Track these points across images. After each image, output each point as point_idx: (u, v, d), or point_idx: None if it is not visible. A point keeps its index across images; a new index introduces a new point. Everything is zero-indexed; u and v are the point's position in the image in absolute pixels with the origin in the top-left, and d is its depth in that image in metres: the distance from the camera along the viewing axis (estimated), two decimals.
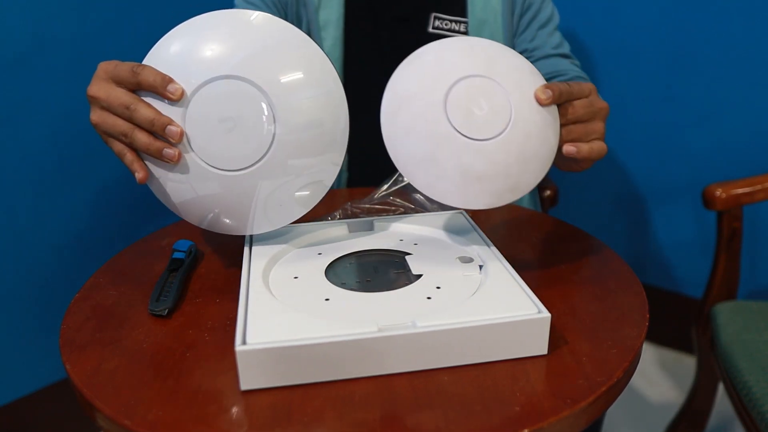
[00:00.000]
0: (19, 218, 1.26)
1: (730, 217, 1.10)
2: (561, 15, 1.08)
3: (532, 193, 1.16)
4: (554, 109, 0.65)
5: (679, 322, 1.56)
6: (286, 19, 1.05)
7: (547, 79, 1.02)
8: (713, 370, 1.14)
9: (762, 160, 1.42)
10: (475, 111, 0.62)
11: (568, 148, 0.65)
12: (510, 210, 0.90)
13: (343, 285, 0.62)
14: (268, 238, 0.70)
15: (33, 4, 1.20)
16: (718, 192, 1.08)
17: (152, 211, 1.46)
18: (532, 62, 1.03)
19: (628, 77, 1.54)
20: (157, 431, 0.47)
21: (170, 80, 0.60)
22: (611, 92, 1.58)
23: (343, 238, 0.72)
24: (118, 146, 0.63)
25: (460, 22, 1.03)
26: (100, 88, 0.63)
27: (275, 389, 0.52)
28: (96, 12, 1.29)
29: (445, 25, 1.03)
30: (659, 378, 1.57)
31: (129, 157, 0.62)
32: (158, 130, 0.60)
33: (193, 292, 0.67)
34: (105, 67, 0.64)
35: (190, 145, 0.61)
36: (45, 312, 1.32)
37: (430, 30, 1.04)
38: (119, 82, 0.62)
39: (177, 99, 0.60)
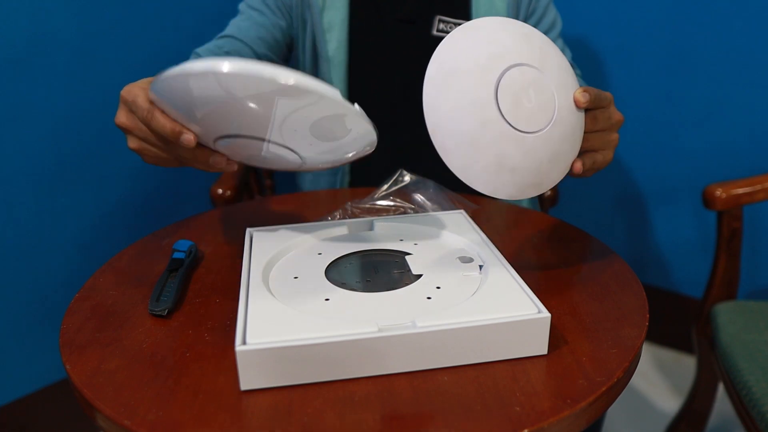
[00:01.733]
0: (19, 218, 1.26)
1: (730, 217, 1.10)
2: (561, 15, 1.08)
3: None
4: (583, 113, 0.66)
5: (679, 322, 1.57)
6: (290, 22, 1.05)
7: None
8: (713, 370, 1.14)
9: (762, 160, 1.42)
10: (524, 101, 0.60)
11: (575, 165, 0.66)
12: (510, 210, 0.90)
13: (343, 285, 0.62)
14: (268, 238, 0.70)
15: (33, 4, 1.20)
16: (718, 192, 1.08)
17: (152, 211, 1.46)
18: None
19: (628, 77, 1.54)
20: (157, 431, 0.47)
21: (180, 132, 0.60)
22: (611, 92, 1.58)
23: (343, 238, 0.72)
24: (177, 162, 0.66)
25: None
26: (127, 118, 0.64)
27: (275, 389, 0.52)
28: (96, 12, 1.29)
29: (449, 27, 1.03)
30: (659, 378, 1.57)
31: (199, 165, 0.65)
32: (173, 138, 0.60)
33: (193, 292, 0.67)
34: (124, 97, 0.64)
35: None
36: (45, 312, 1.32)
37: (434, 33, 1.04)
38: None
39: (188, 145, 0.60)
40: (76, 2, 1.26)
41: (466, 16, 1.03)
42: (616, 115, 0.69)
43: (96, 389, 0.52)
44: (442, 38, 1.04)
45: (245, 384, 0.51)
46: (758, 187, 1.10)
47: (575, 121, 0.64)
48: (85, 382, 0.53)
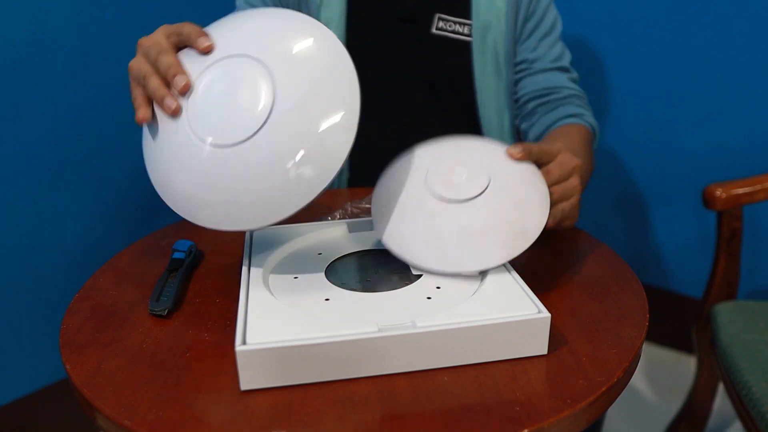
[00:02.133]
0: (19, 218, 1.26)
1: (730, 217, 1.10)
2: (561, 15, 1.07)
3: None
4: (532, 165, 0.68)
5: (679, 322, 1.56)
6: None
7: (541, 95, 1.02)
8: (713, 370, 1.14)
9: (762, 160, 1.42)
10: (454, 179, 0.64)
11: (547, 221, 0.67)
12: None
13: (343, 285, 0.62)
14: (268, 238, 0.70)
15: (33, 4, 1.20)
16: (718, 192, 1.08)
17: (152, 211, 1.46)
18: (529, 76, 1.04)
19: (628, 77, 1.54)
20: (156, 431, 0.47)
21: (202, 33, 0.63)
22: (611, 92, 1.58)
23: (343, 238, 0.72)
24: (135, 90, 0.65)
25: (465, 24, 1.02)
26: (150, 37, 0.66)
27: (275, 389, 0.52)
28: (96, 12, 1.29)
29: (449, 26, 1.03)
30: (659, 378, 1.57)
31: (139, 99, 0.64)
32: (169, 78, 0.62)
33: (193, 292, 0.67)
34: (165, 26, 0.67)
35: (188, 120, 0.60)
36: (45, 312, 1.32)
37: (434, 31, 1.03)
38: (169, 35, 0.65)
39: (206, 50, 0.62)
40: (76, 2, 1.26)
41: (467, 15, 1.02)
42: (571, 162, 0.71)
43: (96, 389, 0.52)
44: (441, 37, 1.03)
45: (245, 384, 0.51)
46: (758, 187, 1.09)
47: (520, 168, 0.66)
48: (85, 382, 0.53)
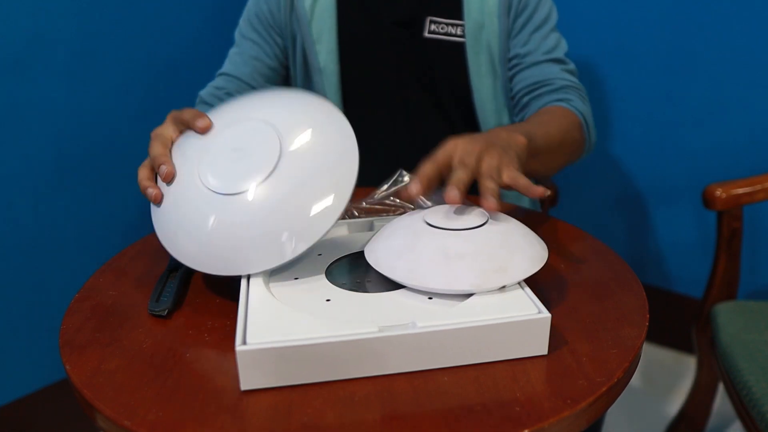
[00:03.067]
0: (19, 218, 1.26)
1: (730, 217, 1.10)
2: (561, 15, 1.07)
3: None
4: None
5: (679, 322, 1.56)
6: (282, 41, 1.05)
7: (534, 89, 0.99)
8: (713, 370, 1.14)
9: (762, 160, 1.42)
10: (451, 214, 0.64)
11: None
12: (509, 210, 0.90)
13: (343, 285, 0.62)
14: None
15: (33, 4, 1.20)
16: (718, 192, 1.08)
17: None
18: (521, 70, 1.01)
19: (628, 77, 1.54)
20: (156, 431, 0.47)
21: (201, 115, 0.68)
22: (611, 92, 1.58)
23: (343, 239, 0.72)
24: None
25: (457, 24, 1.01)
26: (159, 127, 0.71)
27: (275, 389, 0.52)
28: (96, 12, 1.29)
29: (441, 29, 1.01)
30: (659, 378, 1.57)
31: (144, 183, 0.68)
32: (155, 167, 0.67)
33: (193, 292, 0.67)
34: (171, 114, 0.72)
35: (199, 174, 0.64)
36: (45, 312, 1.32)
37: (426, 35, 1.02)
38: (174, 122, 0.71)
39: (203, 130, 0.68)
40: (76, 2, 1.26)
41: (459, 16, 1.01)
42: (468, 145, 0.66)
43: (96, 389, 0.52)
44: (434, 41, 1.02)
45: (245, 384, 0.51)
46: (758, 187, 1.10)
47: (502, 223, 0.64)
48: (85, 383, 0.53)
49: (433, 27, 1.02)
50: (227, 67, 1.05)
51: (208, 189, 0.62)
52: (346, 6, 1.02)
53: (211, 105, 0.99)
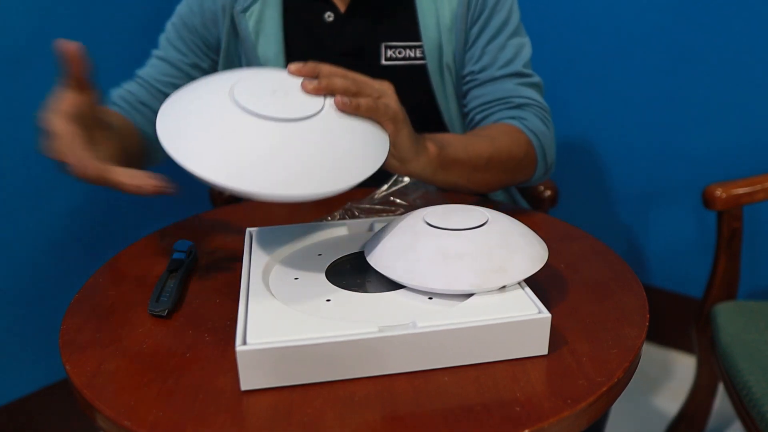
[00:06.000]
0: (19, 218, 1.26)
1: (730, 217, 1.10)
2: (560, 15, 1.05)
3: (520, 193, 1.12)
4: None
5: (679, 322, 1.57)
6: (212, 63, 0.97)
7: (487, 109, 0.92)
8: (713, 370, 1.14)
9: (762, 160, 1.42)
10: (451, 214, 0.63)
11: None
12: (509, 211, 0.90)
13: (343, 286, 0.62)
14: (268, 238, 0.70)
15: (33, 4, 1.20)
16: (718, 192, 1.08)
17: (152, 211, 1.46)
18: (475, 86, 0.93)
19: (628, 77, 1.54)
20: (156, 431, 0.47)
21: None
22: (611, 92, 1.58)
23: (343, 239, 0.72)
24: None
25: (415, 47, 0.94)
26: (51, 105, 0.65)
27: (275, 389, 0.52)
28: (96, 12, 1.29)
29: (399, 53, 0.94)
30: (659, 378, 1.57)
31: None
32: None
33: (193, 292, 0.67)
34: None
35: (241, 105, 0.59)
36: (45, 312, 1.32)
37: (383, 62, 0.94)
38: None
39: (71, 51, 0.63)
40: (76, 2, 1.26)
41: (416, 37, 0.93)
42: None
43: (96, 390, 0.52)
44: (392, 67, 0.93)
45: (245, 384, 0.51)
46: (758, 187, 1.10)
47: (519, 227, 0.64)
48: (85, 383, 0.53)
49: (389, 53, 0.94)
50: (146, 71, 0.96)
51: (265, 116, 0.58)
52: (292, 34, 0.95)
53: (120, 107, 0.92)
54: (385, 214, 0.84)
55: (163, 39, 0.98)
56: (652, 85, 1.51)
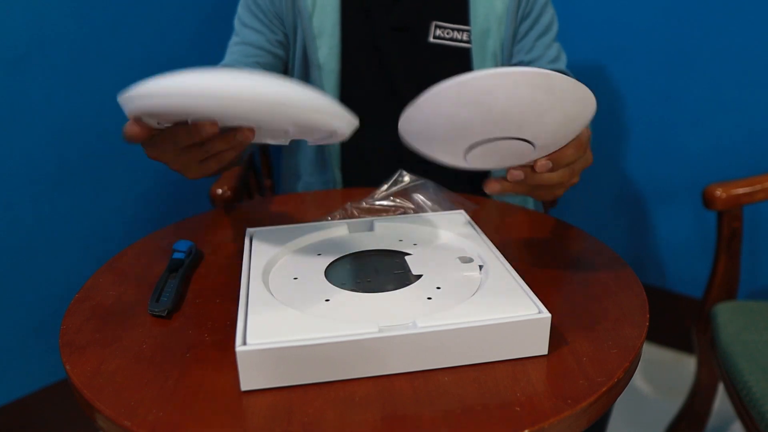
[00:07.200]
0: (19, 218, 1.26)
1: (730, 217, 1.10)
2: (560, 15, 1.06)
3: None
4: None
5: (679, 322, 1.57)
6: (284, 30, 1.01)
7: None
8: (713, 370, 1.14)
9: (762, 160, 1.42)
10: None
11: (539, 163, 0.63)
12: (510, 210, 0.90)
13: (343, 285, 0.62)
14: (268, 238, 0.70)
15: (33, 4, 1.20)
16: (718, 192, 1.08)
17: (152, 211, 1.46)
18: None
19: (628, 77, 1.54)
20: (156, 431, 0.47)
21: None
22: (611, 92, 1.58)
23: (343, 239, 0.72)
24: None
25: (463, 30, 1.00)
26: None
27: (275, 389, 0.52)
28: (96, 12, 1.29)
29: (447, 34, 1.00)
30: (659, 378, 1.57)
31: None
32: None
33: (193, 292, 0.67)
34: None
35: None
36: (45, 312, 1.32)
37: (431, 40, 1.00)
38: None
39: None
40: (76, 2, 1.26)
41: (464, 21, 1.00)
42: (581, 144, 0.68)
43: (96, 390, 0.52)
44: (439, 46, 0.98)
45: (245, 384, 0.51)
46: (758, 187, 1.09)
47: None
48: (85, 383, 0.53)
49: (438, 32, 1.00)
50: (228, 59, 1.00)
51: None
52: (349, 4, 1.00)
53: None
54: (384, 214, 0.84)
55: (237, 23, 1.02)
56: (651, 84, 1.51)
